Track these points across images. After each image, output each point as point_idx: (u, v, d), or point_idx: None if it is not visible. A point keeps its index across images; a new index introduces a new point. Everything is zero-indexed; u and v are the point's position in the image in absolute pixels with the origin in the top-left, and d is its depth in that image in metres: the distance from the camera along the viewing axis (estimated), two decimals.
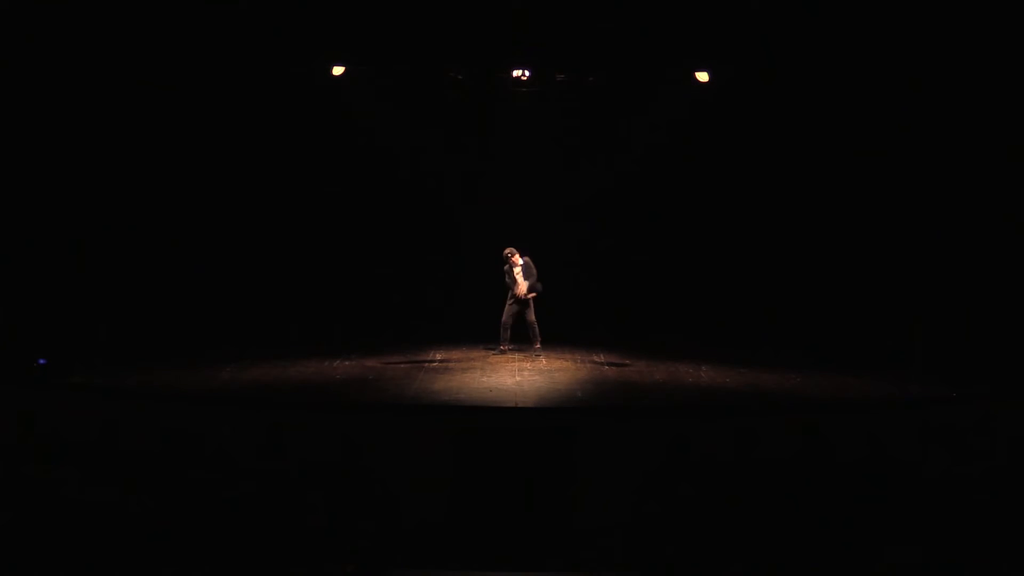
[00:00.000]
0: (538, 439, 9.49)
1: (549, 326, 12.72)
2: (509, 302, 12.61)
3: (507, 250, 12.54)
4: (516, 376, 11.47)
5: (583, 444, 9.42)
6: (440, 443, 9.41)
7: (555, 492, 9.34)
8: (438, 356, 12.60)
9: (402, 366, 11.96)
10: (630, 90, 13.59)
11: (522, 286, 12.46)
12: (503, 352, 12.66)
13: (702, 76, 12.95)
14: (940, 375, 11.26)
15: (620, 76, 13.27)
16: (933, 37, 11.28)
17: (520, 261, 12.53)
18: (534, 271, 12.50)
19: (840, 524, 5.64)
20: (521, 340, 12.81)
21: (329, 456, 7.47)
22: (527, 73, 12.93)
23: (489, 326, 12.84)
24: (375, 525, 7.40)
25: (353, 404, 10.12)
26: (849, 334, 12.64)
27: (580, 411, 10.05)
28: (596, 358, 12.65)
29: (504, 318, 12.65)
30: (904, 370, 11.72)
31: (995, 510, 5.64)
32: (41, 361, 11.19)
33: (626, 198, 14.29)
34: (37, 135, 11.50)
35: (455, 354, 12.69)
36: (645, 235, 14.38)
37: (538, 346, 12.58)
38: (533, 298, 12.54)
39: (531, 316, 12.57)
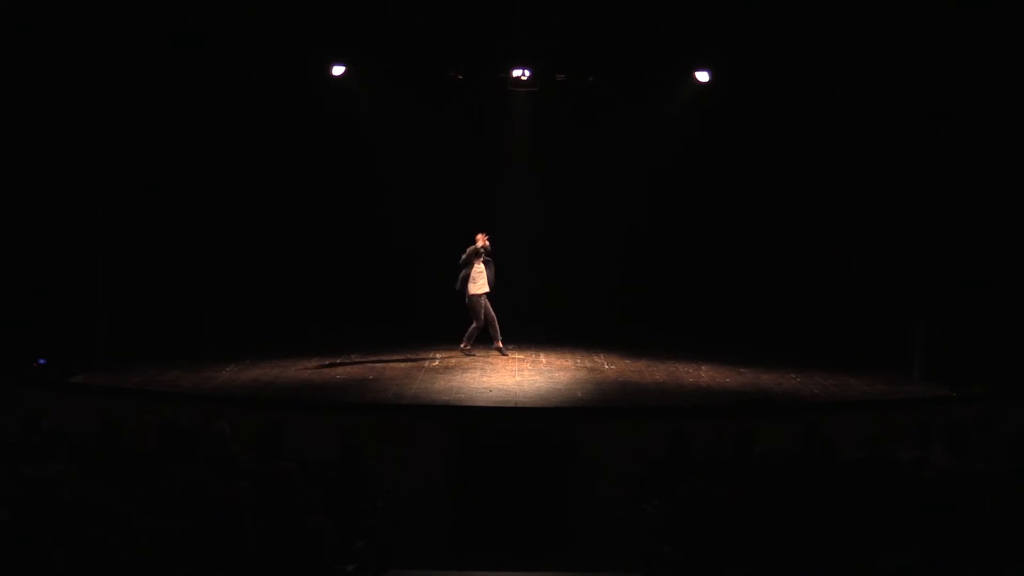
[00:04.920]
0: (538, 439, 9.50)
1: (550, 325, 12.71)
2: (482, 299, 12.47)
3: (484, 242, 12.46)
4: (516, 376, 11.48)
5: (583, 444, 9.43)
6: (440, 443, 9.42)
7: (555, 492, 9.35)
8: (438, 356, 12.60)
9: (402, 366, 11.97)
10: (629, 90, 13.61)
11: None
12: (500, 349, 12.62)
13: (702, 76, 12.97)
14: (940, 375, 11.26)
15: (620, 76, 13.28)
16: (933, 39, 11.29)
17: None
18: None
19: (840, 524, 5.64)
20: (494, 340, 12.78)
21: (329, 456, 7.46)
22: (527, 73, 12.93)
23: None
24: (375, 525, 7.39)
25: (353, 404, 10.13)
26: (849, 333, 12.63)
27: (580, 411, 10.06)
28: (596, 358, 12.65)
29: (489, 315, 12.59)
30: (904, 370, 11.73)
31: (995, 510, 5.64)
32: (41, 361, 11.19)
33: (624, 198, 14.31)
34: (34, 137, 11.48)
35: (455, 354, 12.68)
36: (645, 235, 14.41)
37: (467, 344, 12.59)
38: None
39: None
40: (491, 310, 12.50)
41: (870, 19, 11.50)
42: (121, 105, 11.79)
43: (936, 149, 11.52)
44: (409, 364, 12.08)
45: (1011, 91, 11.17)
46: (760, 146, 13.69)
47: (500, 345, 12.66)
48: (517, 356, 12.75)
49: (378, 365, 12.00)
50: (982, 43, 11.04)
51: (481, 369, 11.89)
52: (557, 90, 13.42)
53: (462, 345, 12.59)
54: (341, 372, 11.63)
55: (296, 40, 12.28)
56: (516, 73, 12.91)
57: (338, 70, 12.88)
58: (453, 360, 12.38)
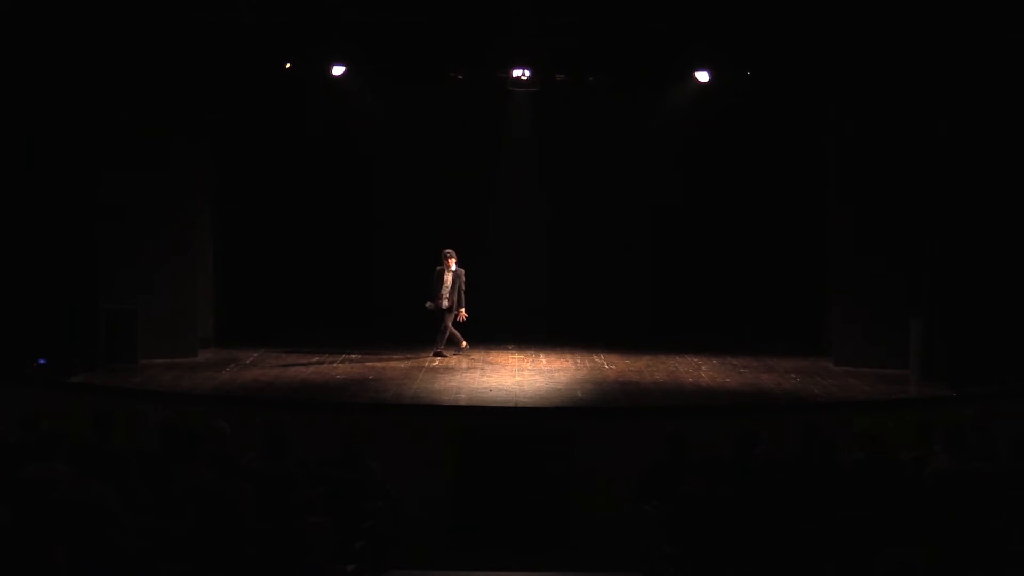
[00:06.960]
0: (538, 439, 9.49)
1: (550, 325, 12.70)
2: (445, 308, 12.41)
3: (447, 251, 12.43)
4: (516, 376, 11.49)
5: (582, 444, 9.43)
6: (440, 443, 9.42)
7: (555, 492, 9.35)
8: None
9: (402, 366, 11.97)
10: (629, 90, 13.62)
11: (445, 294, 12.34)
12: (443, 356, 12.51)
13: (702, 76, 12.97)
14: (940, 375, 11.25)
15: (620, 76, 13.28)
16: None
17: (453, 267, 12.41)
18: (461, 284, 12.38)
19: (840, 524, 5.64)
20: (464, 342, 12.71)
21: (329, 456, 7.46)
22: (527, 73, 12.92)
23: (488, 325, 12.86)
24: (375, 525, 7.39)
25: (353, 404, 10.13)
26: (848, 333, 12.62)
27: (580, 411, 10.06)
28: (596, 358, 12.65)
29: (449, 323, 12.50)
30: (903, 369, 11.71)
31: (995, 510, 5.64)
32: (41, 361, 11.18)
33: (624, 198, 14.32)
34: (34, 136, 11.47)
35: (455, 354, 12.67)
36: (644, 235, 14.41)
37: (440, 351, 12.50)
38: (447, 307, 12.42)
39: (447, 321, 12.49)
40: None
41: (870, 18, 11.49)
42: (121, 105, 11.78)
43: (936, 148, 11.51)
44: (409, 364, 12.08)
45: (1011, 91, 11.17)
46: (760, 146, 13.70)
47: (445, 353, 12.56)
48: (517, 356, 12.76)
49: (378, 365, 12.00)
50: (982, 43, 11.04)
51: (481, 369, 11.89)
52: (557, 90, 13.42)
53: (463, 345, 12.61)
54: (341, 372, 11.63)
55: (296, 40, 12.27)
56: (516, 73, 12.90)
57: (338, 70, 12.87)
58: (453, 360, 12.38)
